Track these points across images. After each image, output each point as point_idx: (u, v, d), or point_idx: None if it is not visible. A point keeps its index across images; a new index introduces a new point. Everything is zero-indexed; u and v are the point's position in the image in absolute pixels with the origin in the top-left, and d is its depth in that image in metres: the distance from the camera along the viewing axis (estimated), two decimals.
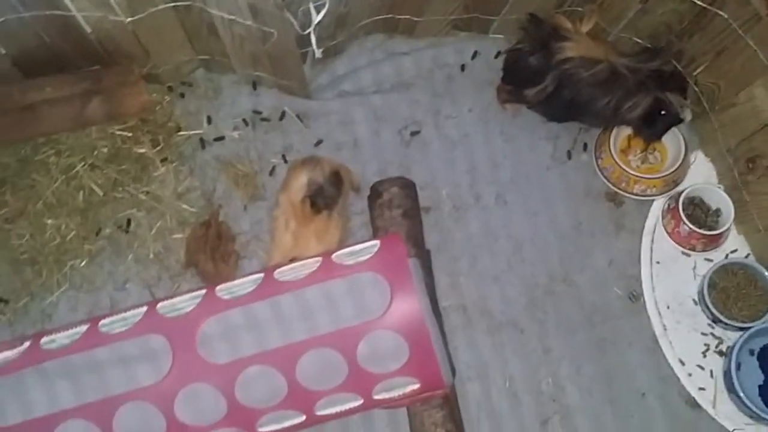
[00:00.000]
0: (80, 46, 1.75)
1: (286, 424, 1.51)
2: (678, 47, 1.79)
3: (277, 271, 1.50)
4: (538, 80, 1.77)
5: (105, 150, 1.82)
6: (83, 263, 1.78)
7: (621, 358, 1.74)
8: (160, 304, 1.49)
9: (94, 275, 1.78)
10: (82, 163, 1.80)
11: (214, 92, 1.93)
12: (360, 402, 1.49)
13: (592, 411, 1.70)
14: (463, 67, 1.97)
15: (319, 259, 1.49)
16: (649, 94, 1.73)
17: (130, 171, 1.82)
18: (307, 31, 1.66)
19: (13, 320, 1.75)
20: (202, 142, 1.88)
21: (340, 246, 1.61)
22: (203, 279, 1.74)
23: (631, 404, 1.71)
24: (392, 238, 1.51)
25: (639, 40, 1.85)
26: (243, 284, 1.50)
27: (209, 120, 1.90)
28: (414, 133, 1.91)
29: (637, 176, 1.81)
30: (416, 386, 1.48)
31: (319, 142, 1.89)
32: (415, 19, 1.92)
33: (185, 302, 1.49)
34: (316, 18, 1.63)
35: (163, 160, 1.84)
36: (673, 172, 1.82)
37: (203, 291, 1.50)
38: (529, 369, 1.73)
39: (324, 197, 1.68)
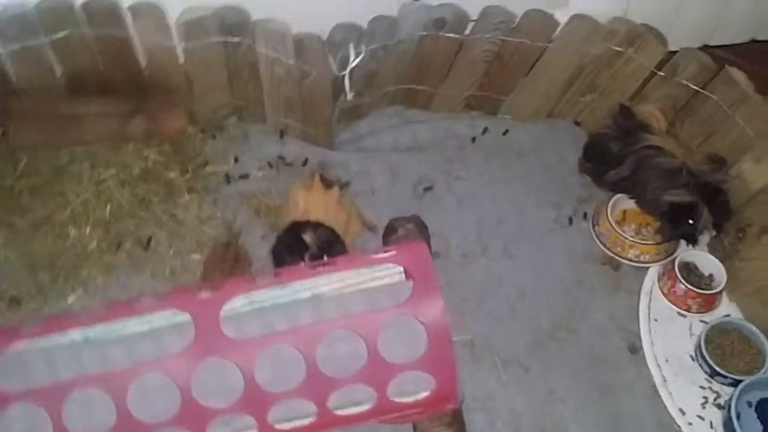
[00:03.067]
0: (130, 74, 1.89)
1: (298, 423, 1.49)
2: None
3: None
4: (617, 164, 1.93)
5: (138, 169, 1.91)
6: (100, 273, 1.81)
7: (623, 403, 1.75)
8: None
9: (109, 285, 1.80)
10: (114, 178, 1.88)
11: (243, 137, 2.06)
12: (374, 403, 1.48)
13: None
14: (473, 139, 2.14)
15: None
16: (693, 197, 1.83)
17: (158, 192, 1.90)
18: (343, 73, 1.84)
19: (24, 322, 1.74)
20: (228, 178, 1.98)
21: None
22: None
23: None
24: (414, 241, 1.59)
25: None
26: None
27: (236, 159, 2.02)
28: (426, 189, 2.03)
29: (632, 241, 1.92)
30: (428, 393, 1.50)
31: None
32: (434, 91, 2.11)
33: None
34: (353, 60, 1.81)
35: (190, 189, 1.93)
36: (665, 242, 1.93)
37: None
38: (534, 407, 1.73)
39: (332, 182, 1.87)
